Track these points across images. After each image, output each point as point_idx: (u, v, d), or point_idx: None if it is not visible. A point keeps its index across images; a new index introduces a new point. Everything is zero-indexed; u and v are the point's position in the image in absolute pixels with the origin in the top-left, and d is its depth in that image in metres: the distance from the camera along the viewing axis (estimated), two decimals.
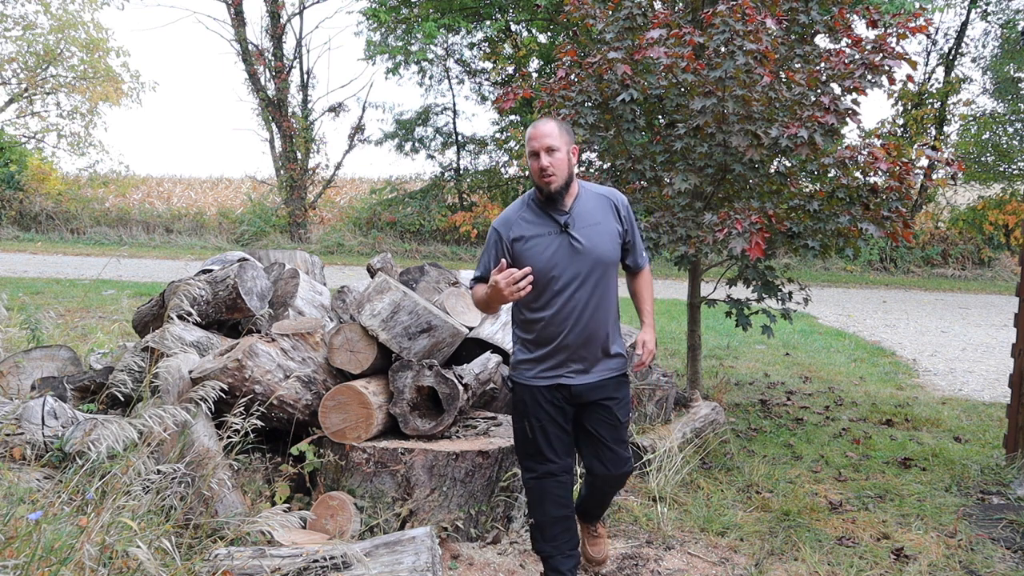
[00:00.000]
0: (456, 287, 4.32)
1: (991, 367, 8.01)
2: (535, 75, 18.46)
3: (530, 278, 2.60)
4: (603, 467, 2.89)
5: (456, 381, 3.38)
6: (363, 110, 19.34)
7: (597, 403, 2.84)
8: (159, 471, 2.61)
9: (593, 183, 3.04)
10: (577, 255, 2.75)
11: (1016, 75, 18.01)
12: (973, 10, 18.60)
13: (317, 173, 19.04)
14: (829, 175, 4.95)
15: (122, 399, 3.63)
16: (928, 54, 19.43)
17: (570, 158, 2.77)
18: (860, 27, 6.09)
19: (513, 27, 19.15)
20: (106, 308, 8.30)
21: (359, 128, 19.04)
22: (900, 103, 19.01)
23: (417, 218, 18.50)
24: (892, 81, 4.81)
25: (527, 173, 18.94)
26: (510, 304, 4.23)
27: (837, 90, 4.80)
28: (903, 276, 18.22)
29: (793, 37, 5.12)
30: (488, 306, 2.75)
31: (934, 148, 4.89)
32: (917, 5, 13.90)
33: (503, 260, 2.63)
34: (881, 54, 4.74)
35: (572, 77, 5.25)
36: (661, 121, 5.51)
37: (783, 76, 4.79)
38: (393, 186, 20.39)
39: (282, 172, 18.66)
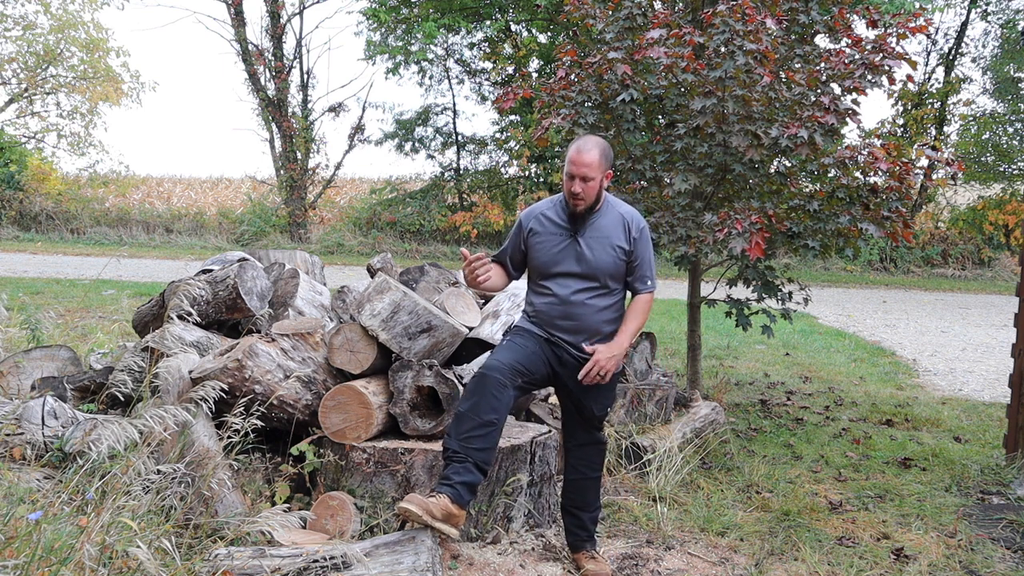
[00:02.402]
0: (456, 287, 4.32)
1: (991, 367, 8.01)
2: (535, 75, 18.45)
3: (489, 268, 2.99)
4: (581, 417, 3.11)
5: (456, 381, 3.38)
6: (363, 110, 19.33)
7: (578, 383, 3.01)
8: (159, 471, 2.61)
9: (624, 201, 3.20)
10: (579, 260, 2.99)
11: (1016, 75, 18.02)
12: (973, 10, 18.61)
13: (317, 173, 19.02)
14: (829, 175, 4.95)
15: (122, 399, 3.63)
16: (928, 54, 19.44)
17: (602, 184, 2.97)
18: (860, 27, 6.09)
19: (513, 27, 19.13)
20: (106, 308, 8.29)
21: (359, 128, 19.02)
22: (900, 103, 19.01)
23: (417, 218, 18.49)
24: (892, 81, 4.81)
25: (527, 173, 19.12)
26: (510, 303, 4.25)
27: (837, 90, 4.80)
28: (903, 276, 18.23)
29: (793, 37, 5.12)
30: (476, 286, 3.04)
31: (934, 148, 4.89)
32: (917, 5, 13.90)
33: (463, 250, 3.04)
34: (881, 54, 4.74)
35: (572, 77, 5.25)
36: (661, 121, 5.51)
37: (783, 76, 4.79)
38: (393, 186, 20.37)
39: (282, 172, 18.65)
